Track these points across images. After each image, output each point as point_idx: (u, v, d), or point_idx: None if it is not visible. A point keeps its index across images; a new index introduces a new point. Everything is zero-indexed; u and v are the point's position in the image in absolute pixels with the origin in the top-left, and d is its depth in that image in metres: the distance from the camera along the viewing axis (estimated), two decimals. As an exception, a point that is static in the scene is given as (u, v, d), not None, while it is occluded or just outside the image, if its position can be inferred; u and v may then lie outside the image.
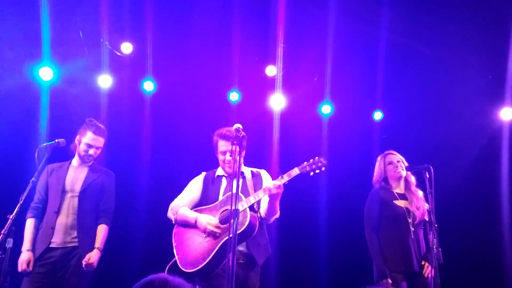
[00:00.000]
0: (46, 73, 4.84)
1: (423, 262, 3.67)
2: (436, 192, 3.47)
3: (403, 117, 6.00)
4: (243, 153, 3.11)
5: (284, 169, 3.20)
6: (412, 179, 3.92)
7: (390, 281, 3.58)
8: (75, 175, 3.77)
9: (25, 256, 3.50)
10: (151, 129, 5.38)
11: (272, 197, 3.13)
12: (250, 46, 5.28)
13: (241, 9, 4.91)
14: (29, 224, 3.63)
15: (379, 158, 4.05)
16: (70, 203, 3.66)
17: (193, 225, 3.24)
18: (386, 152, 4.05)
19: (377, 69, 5.38)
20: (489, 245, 5.44)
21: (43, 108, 4.79)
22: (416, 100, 5.81)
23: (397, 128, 6.02)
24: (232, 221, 2.70)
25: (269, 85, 5.60)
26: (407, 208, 3.77)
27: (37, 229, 3.63)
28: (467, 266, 5.38)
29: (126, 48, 5.10)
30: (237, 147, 2.89)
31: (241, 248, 3.19)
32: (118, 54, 5.12)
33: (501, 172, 5.47)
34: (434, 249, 3.32)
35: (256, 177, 3.43)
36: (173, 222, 3.39)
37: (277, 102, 5.62)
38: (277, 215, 3.29)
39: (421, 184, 3.80)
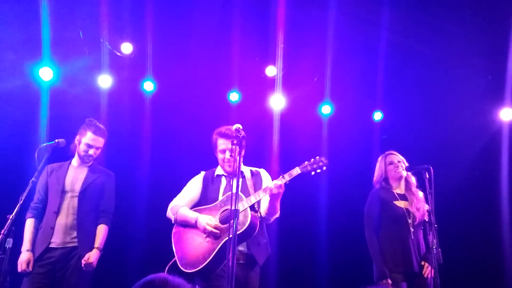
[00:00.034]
0: (46, 73, 4.84)
1: (423, 263, 3.67)
2: (436, 192, 3.46)
3: (403, 117, 5.99)
4: (243, 153, 3.11)
5: (284, 170, 3.19)
6: (413, 179, 3.92)
7: (390, 281, 3.58)
8: (75, 175, 3.77)
9: (24, 256, 3.50)
10: (151, 129, 5.38)
11: (273, 196, 3.12)
12: (250, 46, 5.27)
13: (241, 9, 4.91)
14: (29, 224, 3.63)
15: (380, 158, 4.04)
16: (70, 203, 3.66)
17: (193, 225, 3.23)
18: (387, 152, 4.05)
19: (377, 69, 5.38)
20: (489, 245, 5.43)
21: (43, 108, 4.79)
22: (416, 100, 5.80)
23: (397, 128, 6.01)
24: (232, 221, 2.69)
25: (269, 85, 5.59)
26: (407, 209, 3.77)
27: (36, 229, 3.63)
28: (467, 267, 5.37)
29: (126, 48, 5.10)
30: (237, 147, 2.89)
31: (241, 248, 3.18)
32: (118, 54, 5.12)
33: (501, 172, 5.47)
34: (434, 249, 3.31)
35: (255, 176, 3.43)
36: (173, 222, 3.38)
37: (277, 102, 5.61)
38: (277, 214, 3.29)
39: (421, 184, 3.79)
